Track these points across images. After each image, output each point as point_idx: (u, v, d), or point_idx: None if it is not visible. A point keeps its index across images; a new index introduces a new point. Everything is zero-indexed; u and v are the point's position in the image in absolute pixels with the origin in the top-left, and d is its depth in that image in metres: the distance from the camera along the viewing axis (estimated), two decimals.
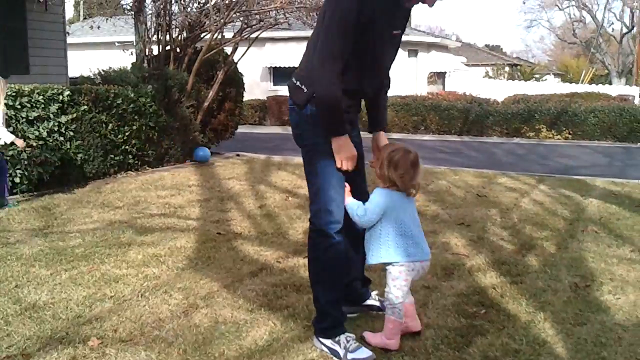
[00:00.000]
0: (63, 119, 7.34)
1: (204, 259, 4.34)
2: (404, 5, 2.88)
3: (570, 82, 33.53)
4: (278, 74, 22.33)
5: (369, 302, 3.35)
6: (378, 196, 2.83)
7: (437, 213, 6.03)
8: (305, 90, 2.83)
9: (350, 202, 2.86)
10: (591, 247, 4.80)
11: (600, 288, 3.83)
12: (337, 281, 2.99)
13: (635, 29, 33.64)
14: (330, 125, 2.79)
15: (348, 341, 2.84)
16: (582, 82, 30.74)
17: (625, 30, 38.54)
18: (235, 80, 11.41)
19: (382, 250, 2.84)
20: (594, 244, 4.92)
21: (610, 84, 33.46)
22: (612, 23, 41.02)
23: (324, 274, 2.97)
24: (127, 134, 8.29)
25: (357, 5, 2.66)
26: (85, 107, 7.68)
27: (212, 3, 9.78)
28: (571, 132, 16.54)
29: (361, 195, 3.05)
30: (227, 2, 9.75)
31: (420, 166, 2.83)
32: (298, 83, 2.88)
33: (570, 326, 3.21)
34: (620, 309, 3.49)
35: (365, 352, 2.81)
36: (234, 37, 10.87)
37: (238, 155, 10.72)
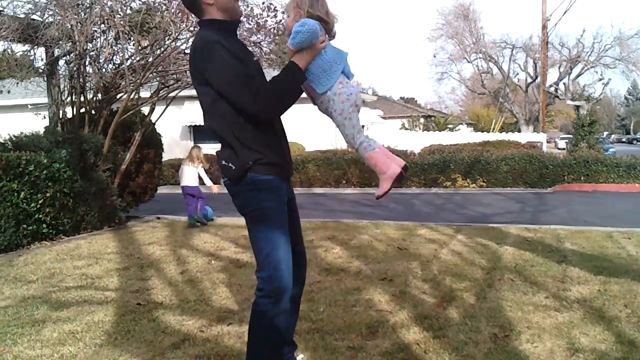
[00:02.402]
0: None
1: (123, 333, 4.18)
2: None
3: (482, 131, 35.10)
4: (198, 132, 22.25)
5: None
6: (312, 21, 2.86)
7: (360, 269, 6.08)
8: (234, 167, 2.86)
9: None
10: (508, 296, 4.95)
11: (519, 337, 3.95)
12: (280, 350, 2.97)
13: (538, 78, 35.67)
14: (297, 82, 2.88)
15: None
16: (493, 131, 32.21)
17: (529, 80, 40.87)
18: (153, 141, 11.29)
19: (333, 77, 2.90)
20: (510, 292, 5.08)
21: (520, 131, 35.24)
22: (518, 74, 43.49)
23: (268, 344, 2.90)
24: (40, 202, 7.99)
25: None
26: None
27: (128, 64, 9.70)
28: (485, 180, 17.19)
29: (297, 245, 3.12)
30: (142, 62, 9.71)
31: None
32: (224, 162, 2.90)
33: None
34: (538, 357, 3.60)
35: None
36: (151, 97, 10.80)
37: (158, 218, 10.50)
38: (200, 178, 9.85)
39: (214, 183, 9.97)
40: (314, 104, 3.07)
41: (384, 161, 2.87)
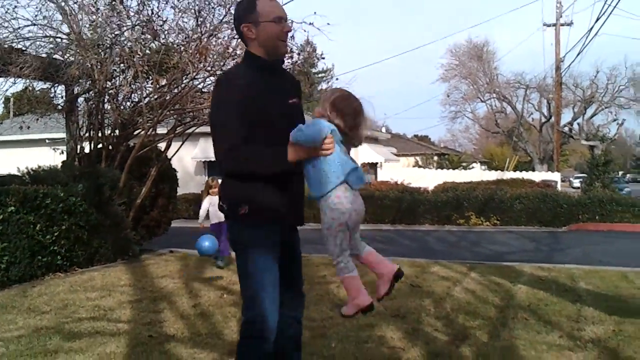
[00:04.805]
0: None
1: None
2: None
3: (496, 169, 35.04)
4: (213, 167, 22.42)
5: None
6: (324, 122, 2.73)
7: None
8: (225, 207, 2.91)
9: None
10: (522, 335, 4.91)
11: None
12: None
13: (553, 118, 35.70)
14: (273, 166, 2.78)
15: None
16: (507, 169, 32.15)
17: (544, 119, 40.88)
18: (168, 176, 11.39)
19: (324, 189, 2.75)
20: (524, 331, 5.04)
21: (534, 170, 35.13)
22: (532, 113, 43.48)
23: None
24: (55, 234, 8.06)
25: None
26: (13, 208, 7.47)
27: (145, 102, 9.87)
28: (499, 219, 17.11)
29: (296, 294, 3.09)
30: (160, 100, 9.86)
31: (365, 115, 2.81)
32: (220, 202, 2.96)
33: None
34: None
35: None
36: (167, 134, 10.93)
37: (171, 251, 10.54)
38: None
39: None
40: None
41: (355, 288, 2.78)
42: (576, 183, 42.38)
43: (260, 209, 2.82)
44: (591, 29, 23.08)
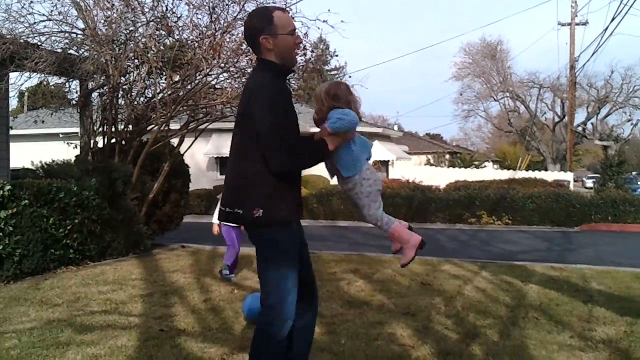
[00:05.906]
0: (2, 213, 7.17)
1: (146, 358, 4.21)
2: None
3: (509, 169, 34.85)
4: (224, 164, 22.52)
5: None
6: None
7: (383, 303, 6.06)
8: (241, 212, 2.96)
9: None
10: (532, 334, 4.89)
11: None
12: None
13: (566, 117, 35.47)
14: (320, 157, 3.08)
15: None
16: (519, 169, 31.99)
17: (557, 119, 40.65)
18: (181, 172, 11.43)
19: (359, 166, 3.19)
20: (535, 330, 5.02)
21: (546, 169, 34.92)
22: (545, 113, 43.23)
23: None
24: (68, 228, 8.13)
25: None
26: (26, 201, 7.53)
27: (159, 97, 9.91)
28: (511, 218, 17.04)
29: (309, 285, 3.18)
30: (173, 96, 9.90)
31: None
32: (236, 209, 3.00)
33: None
34: None
35: None
36: (180, 129, 10.99)
37: (183, 246, 10.59)
38: None
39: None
40: (337, 179, 3.29)
41: (406, 232, 3.27)
42: (589, 183, 42.10)
43: (277, 209, 2.97)
44: (606, 28, 22.91)
